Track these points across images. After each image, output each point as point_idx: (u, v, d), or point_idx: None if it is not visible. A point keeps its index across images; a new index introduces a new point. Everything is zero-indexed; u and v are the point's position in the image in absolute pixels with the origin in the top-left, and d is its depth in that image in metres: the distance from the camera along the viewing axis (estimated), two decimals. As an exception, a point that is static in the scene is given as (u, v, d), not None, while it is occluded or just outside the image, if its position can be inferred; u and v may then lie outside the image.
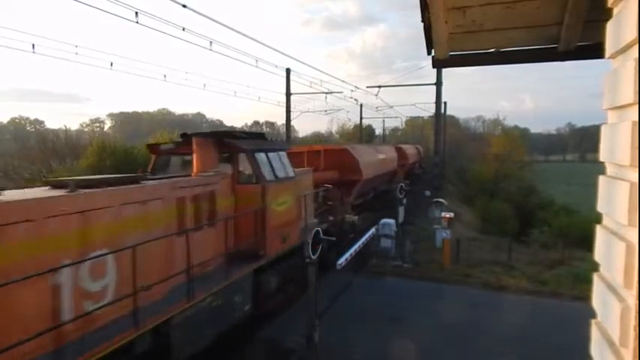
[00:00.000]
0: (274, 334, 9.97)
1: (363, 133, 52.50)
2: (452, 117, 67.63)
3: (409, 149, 35.34)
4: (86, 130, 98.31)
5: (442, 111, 27.52)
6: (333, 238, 12.20)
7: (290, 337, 9.55)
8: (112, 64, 17.14)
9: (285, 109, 26.67)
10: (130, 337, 5.19)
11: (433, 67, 4.07)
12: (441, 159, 29.59)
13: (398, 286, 13.56)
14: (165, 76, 20.38)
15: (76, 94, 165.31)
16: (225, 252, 7.91)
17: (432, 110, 27.86)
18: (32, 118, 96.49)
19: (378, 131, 67.32)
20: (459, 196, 41.44)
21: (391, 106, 41.47)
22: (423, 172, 42.42)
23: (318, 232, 9.10)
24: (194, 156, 8.42)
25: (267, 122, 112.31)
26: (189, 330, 6.52)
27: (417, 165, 41.07)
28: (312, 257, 8.74)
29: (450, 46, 3.64)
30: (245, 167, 9.29)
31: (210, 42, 14.40)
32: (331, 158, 17.34)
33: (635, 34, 1.61)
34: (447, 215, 16.43)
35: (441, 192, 25.57)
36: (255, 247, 8.89)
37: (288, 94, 26.19)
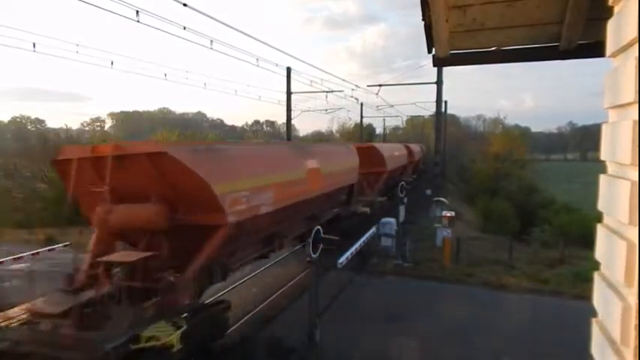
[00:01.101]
0: (275, 333, 9.99)
1: (364, 132, 52.47)
2: (452, 116, 67.63)
3: (382, 150, 21.41)
4: (87, 129, 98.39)
5: (443, 110, 27.48)
6: None
7: (291, 336, 9.56)
8: (112, 63, 17.14)
9: (285, 108, 26.66)
10: None
11: (434, 65, 4.07)
12: (441, 158, 29.46)
13: (398, 285, 13.57)
14: (165, 75, 20.34)
15: (77, 93, 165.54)
16: None
17: (433, 109, 27.84)
18: (33, 117, 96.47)
19: (379, 130, 67.33)
20: (460, 195, 41.48)
21: (392, 105, 41.34)
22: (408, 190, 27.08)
23: (318, 230, 9.10)
24: None
25: (267, 121, 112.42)
26: None
27: (411, 171, 31.59)
28: (313, 256, 8.75)
29: (451, 44, 3.64)
30: None
31: (211, 41, 14.38)
32: (134, 175, 7.50)
33: (635, 33, 1.61)
34: (448, 214, 16.44)
35: (441, 191, 25.53)
36: None
37: (289, 93, 26.17)
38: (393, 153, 25.04)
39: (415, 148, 36.27)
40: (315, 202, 11.93)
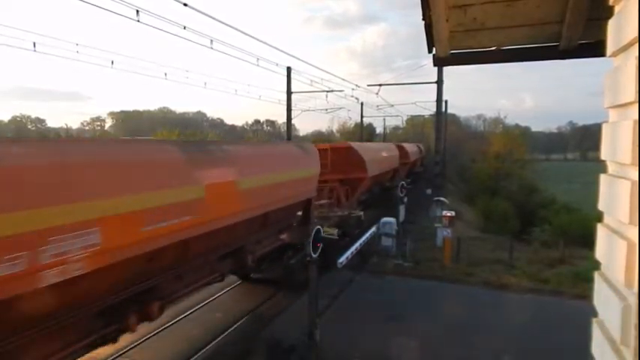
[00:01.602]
0: (275, 332, 9.99)
1: (364, 132, 52.46)
2: (453, 115, 67.70)
3: (362, 151, 17.53)
4: (87, 128, 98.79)
5: (443, 109, 27.44)
6: None
7: (291, 335, 9.56)
8: (112, 63, 17.15)
9: (285, 107, 26.64)
10: None
11: (434, 65, 4.06)
12: (441, 158, 29.35)
13: (398, 284, 13.57)
14: (166, 74, 20.36)
15: (77, 93, 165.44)
16: None
17: (433, 109, 27.80)
18: (33, 116, 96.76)
19: (379, 130, 67.36)
20: (460, 194, 41.45)
21: (392, 105, 41.34)
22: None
23: (318, 230, 9.09)
24: None
25: (268, 121, 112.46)
26: None
27: (405, 174, 27.86)
28: (313, 256, 8.75)
29: (451, 44, 3.64)
30: None
31: (211, 40, 14.38)
32: None
33: (636, 33, 1.61)
34: (448, 214, 16.43)
35: (442, 191, 25.50)
36: None
37: (289, 93, 26.15)
38: (379, 154, 20.96)
39: (411, 148, 32.77)
40: (230, 233, 7.91)
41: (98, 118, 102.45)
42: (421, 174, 38.59)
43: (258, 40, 15.91)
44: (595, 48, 3.22)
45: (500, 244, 18.76)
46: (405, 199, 18.88)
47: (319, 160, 11.77)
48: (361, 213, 16.21)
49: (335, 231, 12.49)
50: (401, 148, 27.78)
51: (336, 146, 16.71)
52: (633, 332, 1.57)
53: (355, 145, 18.00)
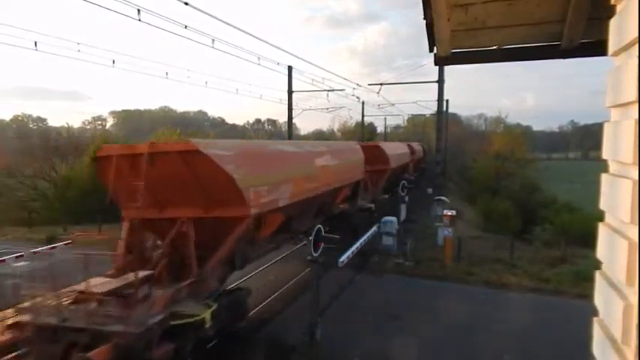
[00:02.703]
0: (276, 331, 10.00)
1: (365, 131, 52.42)
2: (454, 115, 67.67)
3: (228, 165, 7.64)
4: (88, 127, 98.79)
5: (444, 109, 27.38)
6: None
7: (292, 334, 9.57)
8: (114, 62, 17.13)
9: (287, 106, 26.63)
10: None
11: (435, 64, 4.06)
12: (442, 157, 29.26)
13: (399, 283, 13.57)
14: (167, 73, 20.35)
15: (78, 92, 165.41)
16: None
17: (434, 108, 27.77)
18: (35, 115, 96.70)
19: (380, 129, 67.26)
20: (461, 194, 41.45)
21: (393, 104, 41.32)
22: None
23: (319, 229, 9.11)
24: None
25: (269, 120, 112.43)
26: None
27: (379, 191, 19.95)
28: (314, 255, 8.76)
29: (452, 43, 3.63)
30: None
31: (213, 40, 14.38)
32: None
33: (637, 32, 1.60)
34: (449, 213, 16.43)
35: (442, 190, 25.45)
36: None
37: (290, 92, 26.14)
38: (306, 164, 11.38)
39: (396, 148, 24.09)
40: None
41: (99, 118, 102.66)
42: (415, 181, 29.01)
43: (259, 39, 15.91)
44: (596, 47, 3.22)
45: (501, 244, 18.75)
46: (406, 199, 18.89)
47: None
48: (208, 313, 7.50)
49: None
50: (371, 149, 18.05)
51: (163, 149, 8.12)
52: (634, 331, 1.57)
53: (212, 147, 8.03)
